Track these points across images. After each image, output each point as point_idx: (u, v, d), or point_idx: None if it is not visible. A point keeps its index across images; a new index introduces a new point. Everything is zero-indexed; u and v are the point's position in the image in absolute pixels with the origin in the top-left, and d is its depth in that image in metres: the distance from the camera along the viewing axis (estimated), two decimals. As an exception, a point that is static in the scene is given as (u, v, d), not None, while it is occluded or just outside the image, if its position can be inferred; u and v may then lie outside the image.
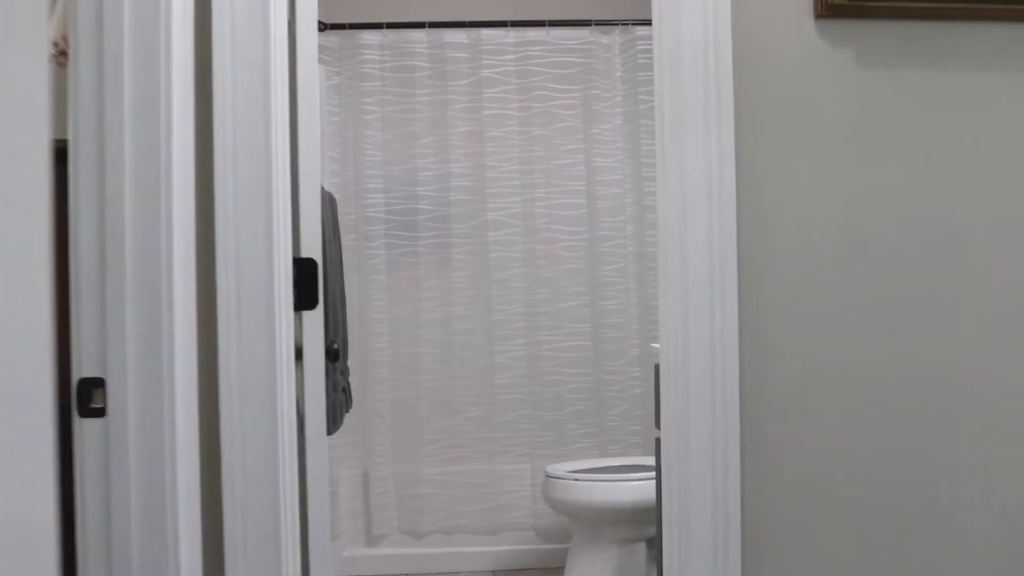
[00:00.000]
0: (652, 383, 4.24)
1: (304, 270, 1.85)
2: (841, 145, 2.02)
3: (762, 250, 1.96)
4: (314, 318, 1.89)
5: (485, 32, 4.26)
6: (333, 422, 3.32)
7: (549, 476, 3.78)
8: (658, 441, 2.99)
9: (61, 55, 1.86)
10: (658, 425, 2.97)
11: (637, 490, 3.66)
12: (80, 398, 1.53)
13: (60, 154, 1.62)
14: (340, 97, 4.25)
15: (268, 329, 1.73)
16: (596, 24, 4.29)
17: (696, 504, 1.88)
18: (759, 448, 1.97)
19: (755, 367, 1.95)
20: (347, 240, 4.22)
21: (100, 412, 1.53)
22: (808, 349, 1.99)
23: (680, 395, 1.90)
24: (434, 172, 4.26)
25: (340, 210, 4.22)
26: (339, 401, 3.41)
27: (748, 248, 1.95)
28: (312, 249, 1.91)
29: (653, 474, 3.68)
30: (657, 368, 2.95)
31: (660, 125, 1.97)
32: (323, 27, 4.25)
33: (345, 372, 3.72)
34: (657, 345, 2.98)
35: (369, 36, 4.24)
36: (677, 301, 1.90)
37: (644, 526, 3.75)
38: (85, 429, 1.55)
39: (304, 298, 1.84)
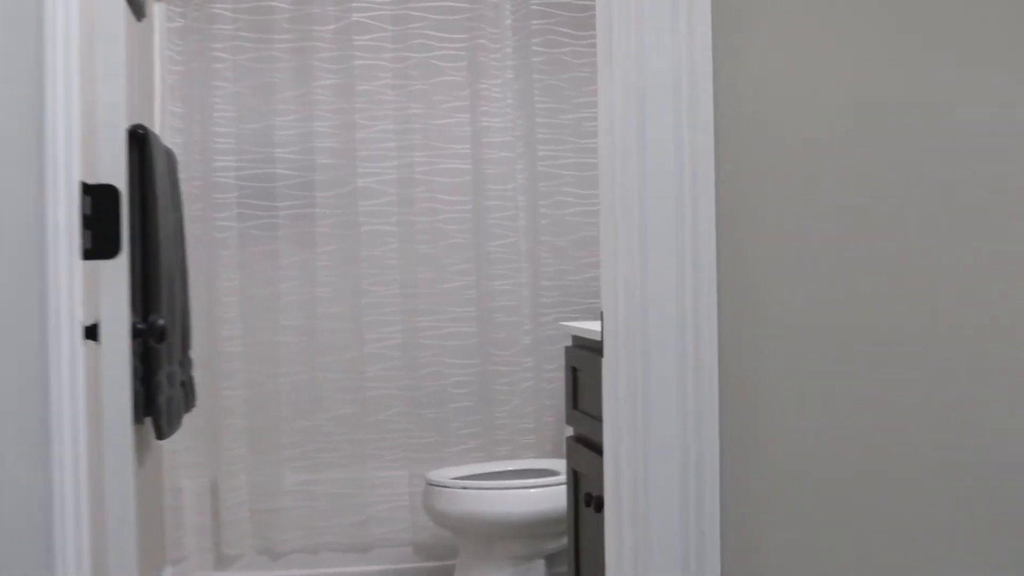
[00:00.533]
0: (545, 375, 3.73)
1: (101, 202, 1.26)
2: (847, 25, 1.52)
3: (751, 171, 1.45)
4: (115, 272, 1.30)
5: (355, -31, 3.68)
6: (169, 423, 2.71)
7: (431, 484, 3.23)
8: (570, 441, 2.47)
9: None
10: (571, 422, 2.44)
11: (536, 499, 3.15)
12: None
13: None
14: (185, 43, 3.62)
15: (36, 285, 1.14)
16: (483, -36, 3.75)
17: (659, 534, 1.36)
18: (750, 453, 1.45)
19: (740, 333, 1.44)
20: (192, 210, 3.59)
21: None
22: (812, 307, 1.49)
23: (633, 382, 1.37)
24: (295, 132, 3.67)
25: (184, 175, 3.59)
26: (176, 398, 2.80)
27: (730, 169, 1.44)
28: (113, 175, 1.32)
29: (553, 480, 3.17)
30: (571, 350, 2.43)
31: (605, 16, 1.44)
32: (162, -42, 3.62)
33: (186, 364, 3.11)
34: (573, 324, 2.46)
35: (218, -30, 3.62)
36: (628, 248, 1.37)
37: (543, 540, 3.23)
38: None
39: (101, 242, 1.26)
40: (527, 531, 3.17)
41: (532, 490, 3.16)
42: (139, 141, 2.64)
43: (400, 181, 3.71)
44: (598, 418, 2.28)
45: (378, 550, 3.74)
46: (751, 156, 1.44)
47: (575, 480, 2.47)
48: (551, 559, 3.31)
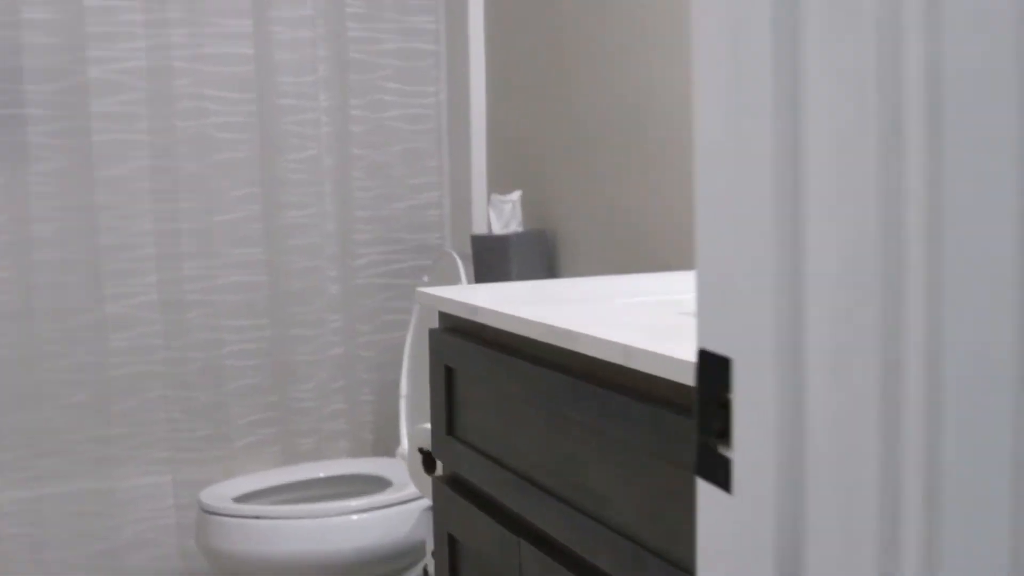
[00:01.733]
0: (361, 339, 2.76)
1: None
2: None
3: None
4: None
5: None
6: None
7: (205, 509, 2.24)
8: (438, 484, 1.53)
9: None
10: (441, 455, 1.50)
11: (361, 529, 2.21)
12: None
13: None
14: None
15: None
16: None
17: None
18: None
19: None
20: None
21: None
22: None
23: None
24: (-9, -4, 2.52)
25: None
26: None
27: None
28: None
29: (383, 500, 2.24)
30: (442, 336, 1.46)
31: None
32: None
33: None
34: (436, 292, 1.49)
35: None
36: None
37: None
38: None
39: None
40: (352, 570, 2.24)
41: (355, 516, 2.21)
42: None
43: (151, 71, 2.62)
44: (493, 458, 1.35)
45: (134, 586, 2.72)
46: None
47: (451, 546, 1.53)
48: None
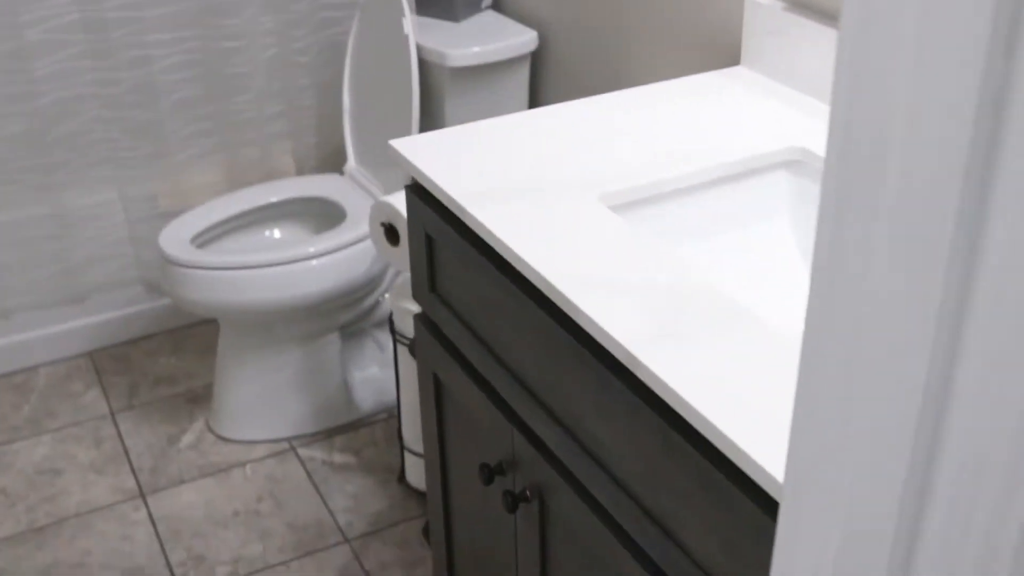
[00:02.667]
0: (295, 46, 2.68)
1: None
2: None
3: None
4: None
5: None
6: None
7: (169, 260, 2.30)
8: (417, 321, 1.62)
9: None
10: (422, 301, 1.58)
11: (324, 272, 2.30)
12: None
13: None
14: None
15: None
16: None
17: None
18: None
19: None
20: None
21: None
22: None
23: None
24: None
25: None
26: None
27: None
28: None
29: (344, 240, 2.31)
30: (418, 204, 1.49)
31: None
32: None
33: None
34: (409, 155, 1.49)
35: None
36: None
37: (337, 314, 2.43)
38: None
39: None
40: (313, 310, 2.36)
41: (314, 262, 2.29)
42: None
43: None
44: (469, 326, 1.43)
45: (97, 297, 2.82)
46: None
47: (436, 387, 1.64)
48: (347, 329, 2.52)
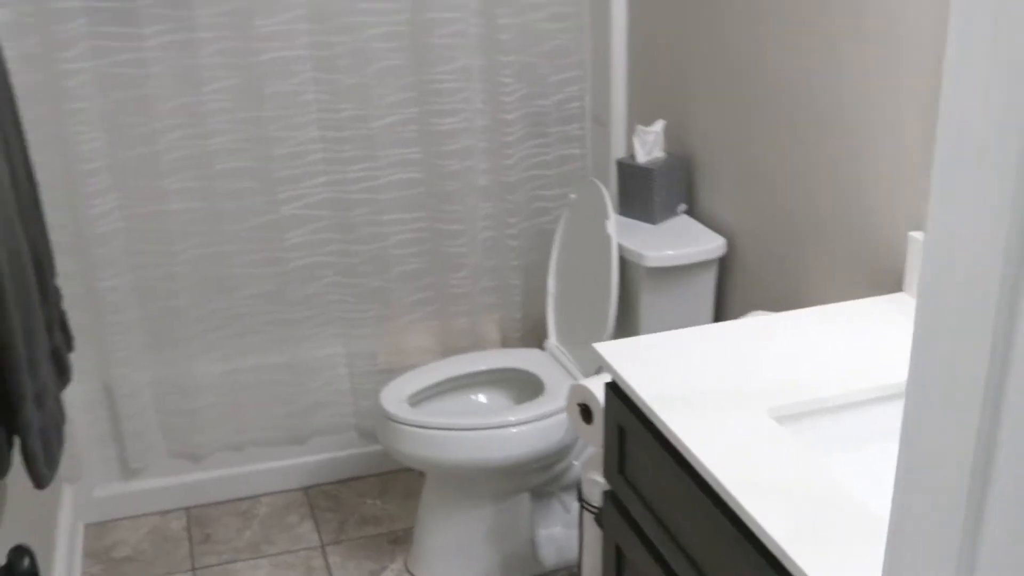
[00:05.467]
0: (509, 231, 3.06)
1: None
2: None
3: None
4: None
5: None
6: (50, 462, 2.07)
7: (388, 417, 2.67)
8: (607, 502, 1.91)
9: None
10: (613, 484, 1.86)
11: (520, 440, 2.62)
12: None
13: None
14: None
15: None
16: None
17: None
18: None
19: None
20: (26, 47, 2.66)
21: None
22: None
23: None
24: (155, -80, 2.70)
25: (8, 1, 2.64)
26: (52, 422, 2.13)
27: None
28: None
29: (539, 413, 2.63)
30: (614, 400, 1.80)
31: None
32: None
33: (56, 300, 2.39)
34: (604, 353, 1.80)
35: None
36: None
37: (529, 477, 2.75)
38: None
39: None
40: (509, 472, 2.68)
41: (514, 429, 2.62)
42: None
43: (308, -14, 2.81)
44: (651, 508, 1.72)
45: (317, 439, 3.22)
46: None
47: (617, 557, 1.93)
48: (537, 492, 2.84)
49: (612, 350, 1.83)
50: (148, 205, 2.86)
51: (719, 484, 1.47)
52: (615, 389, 1.82)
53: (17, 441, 1.95)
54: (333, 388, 3.16)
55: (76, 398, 2.98)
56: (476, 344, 3.18)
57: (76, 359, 2.91)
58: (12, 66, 2.54)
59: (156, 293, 2.93)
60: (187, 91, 2.81)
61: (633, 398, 1.71)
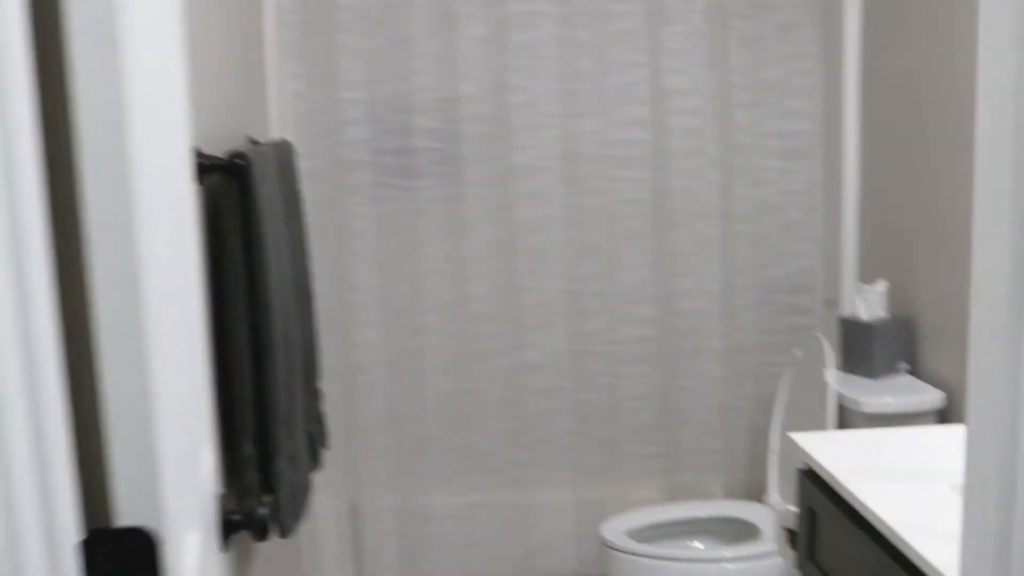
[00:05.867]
0: (739, 392, 3.20)
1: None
2: None
3: None
4: None
5: None
6: (294, 515, 2.32)
7: (607, 545, 2.79)
8: (803, 475, 1.98)
9: None
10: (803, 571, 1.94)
11: (740, 574, 2.69)
12: None
13: None
14: (303, -12, 3.08)
15: None
16: None
17: None
18: None
19: None
20: (317, 192, 3.11)
21: None
22: None
23: None
24: (437, 94, 3.13)
25: (308, 150, 3.10)
26: (300, 481, 2.40)
27: None
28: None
29: (752, 552, 2.69)
30: (806, 482, 1.91)
31: None
32: None
33: (316, 398, 2.69)
34: (805, 442, 1.93)
35: (341, -99, 3.04)
36: None
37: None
38: None
39: None
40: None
41: (729, 565, 2.70)
42: (239, 172, 2.15)
43: (565, 155, 3.16)
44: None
45: (540, 582, 3.36)
46: None
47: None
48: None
49: (806, 438, 1.95)
50: (408, 340, 3.18)
51: (903, 542, 1.56)
52: (808, 475, 1.93)
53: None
54: (559, 532, 3.31)
55: (324, 510, 3.26)
56: (699, 498, 3.28)
57: (328, 476, 3.21)
58: (308, 206, 2.97)
59: (406, 422, 3.22)
60: (452, 239, 3.16)
61: (823, 475, 1.82)
